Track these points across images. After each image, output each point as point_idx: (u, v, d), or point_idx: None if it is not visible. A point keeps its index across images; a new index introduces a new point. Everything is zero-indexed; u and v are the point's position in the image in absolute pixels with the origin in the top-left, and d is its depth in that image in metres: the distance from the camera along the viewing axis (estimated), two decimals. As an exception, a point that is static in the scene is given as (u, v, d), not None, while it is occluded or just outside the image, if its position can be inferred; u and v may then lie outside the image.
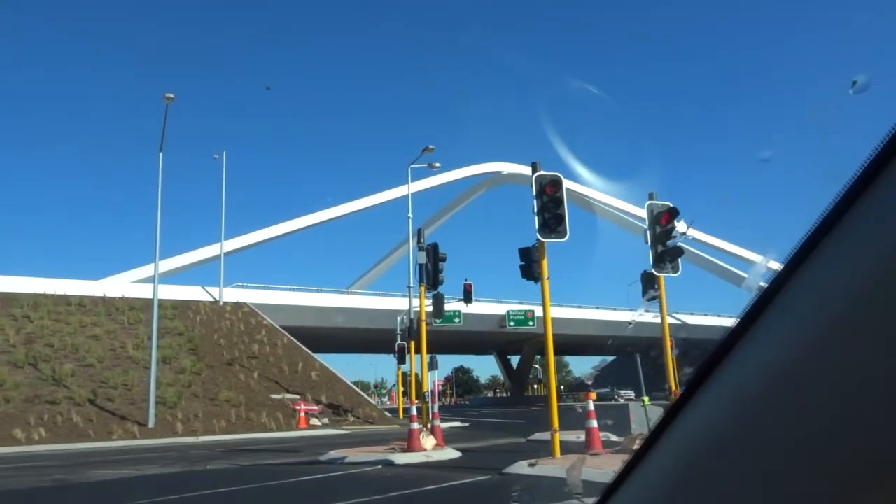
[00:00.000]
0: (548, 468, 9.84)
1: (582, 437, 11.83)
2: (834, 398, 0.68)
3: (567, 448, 11.18)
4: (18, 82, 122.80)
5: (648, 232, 12.62)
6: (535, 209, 10.81)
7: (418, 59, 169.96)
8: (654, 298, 13.17)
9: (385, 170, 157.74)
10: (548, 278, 10.98)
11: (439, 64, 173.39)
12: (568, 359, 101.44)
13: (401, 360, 33.96)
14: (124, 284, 36.89)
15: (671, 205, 12.64)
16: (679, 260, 12.63)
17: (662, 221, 12.47)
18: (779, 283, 0.80)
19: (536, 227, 10.74)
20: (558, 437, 10.57)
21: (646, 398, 12.04)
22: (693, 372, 0.95)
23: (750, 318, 0.84)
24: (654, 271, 12.64)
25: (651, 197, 12.76)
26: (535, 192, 10.89)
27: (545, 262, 10.99)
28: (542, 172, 10.94)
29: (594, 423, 11.43)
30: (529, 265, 11.11)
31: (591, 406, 11.72)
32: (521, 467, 10.29)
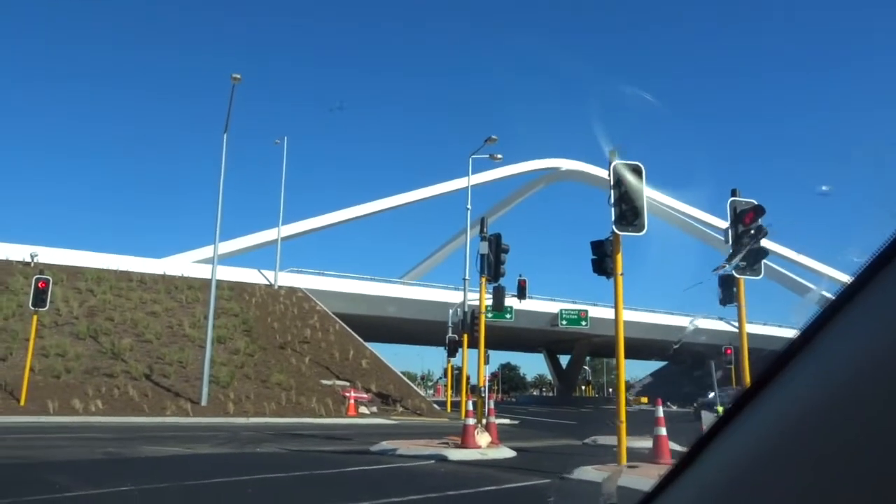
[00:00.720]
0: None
1: (648, 443, 11.15)
2: None
3: (634, 455, 10.51)
4: (84, 59, 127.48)
5: (730, 230, 11.80)
6: (612, 200, 10.14)
7: (474, 57, 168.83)
8: (731, 302, 12.34)
9: (432, 164, 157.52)
10: (621, 274, 10.31)
11: (495, 63, 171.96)
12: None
13: (451, 353, 33.54)
14: (184, 264, 37.55)
15: (756, 202, 11.79)
16: (762, 262, 11.79)
17: (746, 220, 11.62)
18: (849, 294, 0.76)
19: (612, 218, 10.08)
20: (625, 442, 9.91)
21: (720, 407, 11.25)
22: (752, 380, 0.89)
23: (813, 330, 0.80)
24: (733, 273, 11.83)
25: (734, 193, 11.91)
26: (611, 182, 10.22)
27: (619, 257, 10.31)
28: (621, 161, 10.26)
29: (663, 431, 10.71)
30: (602, 259, 10.45)
31: (661, 412, 11.01)
32: (582, 472, 9.73)
